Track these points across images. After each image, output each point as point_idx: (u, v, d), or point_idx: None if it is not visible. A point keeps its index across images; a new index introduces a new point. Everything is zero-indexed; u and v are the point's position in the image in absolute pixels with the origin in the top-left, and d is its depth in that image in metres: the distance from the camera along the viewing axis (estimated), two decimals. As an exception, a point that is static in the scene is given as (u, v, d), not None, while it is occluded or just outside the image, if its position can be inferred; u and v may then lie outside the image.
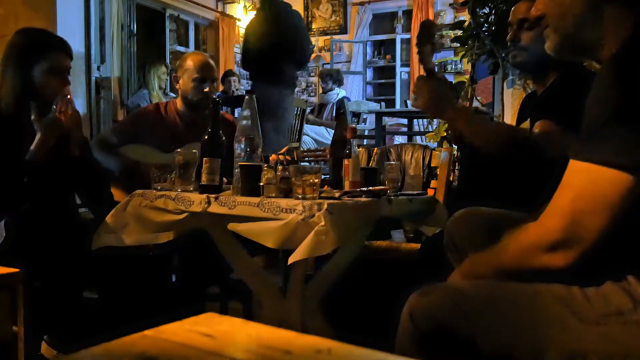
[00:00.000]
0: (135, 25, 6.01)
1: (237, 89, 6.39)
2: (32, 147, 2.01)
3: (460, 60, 7.09)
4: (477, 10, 3.28)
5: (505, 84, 3.69)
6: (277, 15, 4.46)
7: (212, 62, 2.71)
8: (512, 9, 1.89)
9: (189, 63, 2.61)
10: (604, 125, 0.96)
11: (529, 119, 1.91)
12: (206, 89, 2.59)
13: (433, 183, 2.71)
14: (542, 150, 1.60)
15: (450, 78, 7.06)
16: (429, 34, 1.87)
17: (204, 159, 1.85)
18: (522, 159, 1.65)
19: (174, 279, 2.45)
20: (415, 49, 1.90)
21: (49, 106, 2.07)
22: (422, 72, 1.80)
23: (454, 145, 2.51)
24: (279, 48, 4.39)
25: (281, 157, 2.08)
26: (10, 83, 2.08)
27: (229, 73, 6.67)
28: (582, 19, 1.10)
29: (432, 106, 1.76)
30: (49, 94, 2.10)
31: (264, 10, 4.59)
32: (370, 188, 1.83)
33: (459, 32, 3.49)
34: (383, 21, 9.08)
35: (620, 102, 0.96)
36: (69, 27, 4.80)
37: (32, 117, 2.02)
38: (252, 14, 8.24)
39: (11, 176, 2.01)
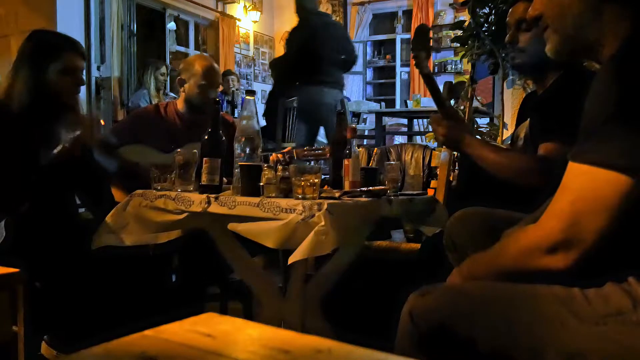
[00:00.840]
0: (135, 25, 6.01)
1: (236, 89, 6.39)
2: (54, 152, 2.05)
3: (460, 60, 7.09)
4: (477, 10, 3.28)
5: (505, 84, 3.68)
6: (316, 27, 5.13)
7: (217, 67, 2.72)
8: (510, 10, 1.89)
9: (197, 68, 2.60)
10: (603, 127, 0.96)
11: (528, 119, 1.91)
12: (212, 96, 2.60)
13: (433, 183, 2.71)
14: (553, 174, 1.60)
15: (450, 78, 7.06)
16: (424, 39, 1.88)
17: (204, 159, 1.85)
18: (533, 185, 1.66)
19: (174, 279, 2.45)
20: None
21: (62, 106, 2.14)
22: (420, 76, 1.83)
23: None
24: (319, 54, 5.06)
25: (280, 156, 2.08)
26: (24, 83, 2.11)
27: (228, 73, 6.67)
28: (581, 19, 1.10)
29: (452, 144, 1.90)
30: (63, 94, 2.15)
31: (304, 22, 5.22)
32: (370, 188, 1.83)
33: (459, 32, 3.49)
34: (383, 21, 9.08)
35: (619, 103, 0.95)
36: (69, 27, 4.80)
37: (61, 127, 2.06)
38: (252, 14, 8.27)
39: (19, 174, 2.03)
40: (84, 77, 2.27)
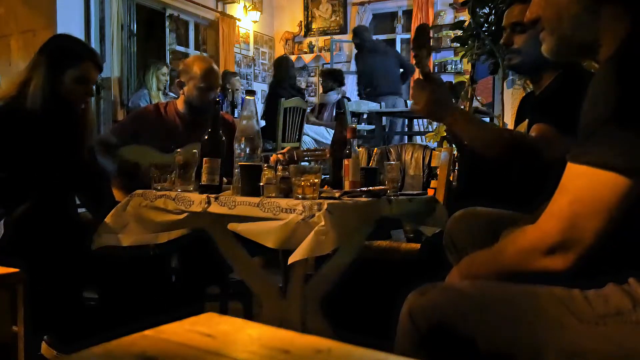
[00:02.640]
0: (135, 25, 6.01)
1: (236, 89, 6.39)
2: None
3: (460, 60, 7.07)
4: (477, 10, 3.28)
5: (505, 84, 3.69)
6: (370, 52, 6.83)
7: (217, 68, 2.71)
8: (505, 13, 1.89)
9: (196, 70, 2.60)
10: (601, 128, 0.96)
11: (527, 120, 1.91)
12: (212, 97, 2.59)
13: (433, 183, 2.71)
14: (539, 153, 1.59)
15: (450, 78, 7.05)
16: (424, 38, 1.87)
17: (204, 159, 1.85)
18: (519, 163, 1.64)
19: (174, 279, 2.45)
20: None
21: (71, 110, 2.22)
22: (420, 75, 1.79)
23: (453, 145, 2.51)
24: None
25: (281, 156, 2.08)
26: (40, 81, 2.14)
27: (229, 73, 6.67)
28: (578, 20, 1.10)
29: (431, 111, 1.72)
30: (72, 100, 2.21)
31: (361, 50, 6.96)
32: (370, 188, 1.83)
33: (459, 32, 3.49)
34: (383, 21, 9.07)
35: (617, 103, 0.95)
36: (69, 27, 4.80)
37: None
38: (252, 14, 8.27)
39: (23, 171, 2.06)
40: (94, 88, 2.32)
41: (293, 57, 8.22)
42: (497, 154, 1.68)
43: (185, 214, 1.83)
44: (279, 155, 2.08)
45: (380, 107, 6.39)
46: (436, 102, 1.67)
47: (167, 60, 6.80)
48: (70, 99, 2.20)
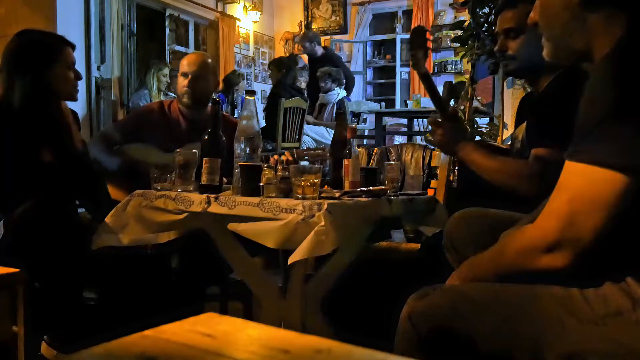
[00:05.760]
0: (135, 25, 6.00)
1: (236, 89, 6.38)
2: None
3: (460, 60, 7.08)
4: (477, 10, 3.28)
5: (505, 84, 3.68)
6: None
7: (202, 59, 2.68)
8: (498, 19, 1.90)
9: (181, 62, 2.64)
10: (598, 126, 0.96)
11: (526, 122, 1.91)
12: (186, 80, 2.58)
13: (433, 183, 2.71)
14: (547, 181, 1.59)
15: (450, 78, 7.06)
16: (421, 39, 1.88)
17: (204, 159, 1.85)
18: (524, 194, 1.65)
19: (174, 279, 2.45)
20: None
21: (57, 105, 2.22)
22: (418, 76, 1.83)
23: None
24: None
25: (284, 157, 2.08)
26: (23, 84, 2.12)
27: (239, 75, 6.67)
28: (567, 28, 1.11)
29: (446, 148, 1.91)
30: (69, 88, 2.23)
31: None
32: (370, 188, 1.83)
33: (459, 32, 3.49)
34: (383, 21, 9.07)
35: (613, 102, 0.96)
36: (69, 27, 4.80)
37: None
38: (252, 14, 8.27)
39: (22, 172, 2.07)
40: (84, 77, 2.32)
41: (293, 58, 8.21)
42: (504, 184, 1.71)
43: (185, 214, 1.83)
44: (284, 157, 2.08)
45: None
46: (451, 141, 1.85)
47: (167, 60, 6.80)
48: (65, 88, 2.21)
